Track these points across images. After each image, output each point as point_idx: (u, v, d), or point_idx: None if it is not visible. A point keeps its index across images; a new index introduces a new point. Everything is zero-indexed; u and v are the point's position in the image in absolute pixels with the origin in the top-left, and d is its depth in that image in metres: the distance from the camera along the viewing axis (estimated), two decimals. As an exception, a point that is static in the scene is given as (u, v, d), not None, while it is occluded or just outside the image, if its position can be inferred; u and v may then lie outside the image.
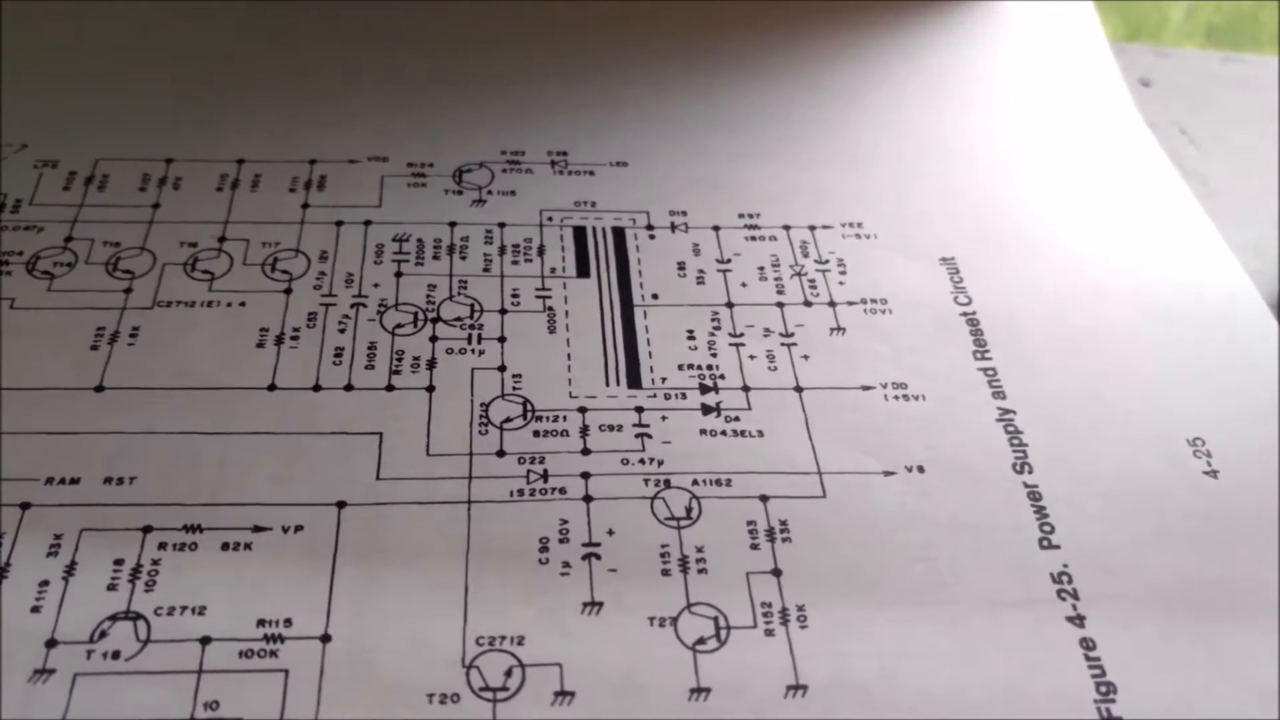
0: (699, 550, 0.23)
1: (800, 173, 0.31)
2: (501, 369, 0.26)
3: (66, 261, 0.28)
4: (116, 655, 0.21)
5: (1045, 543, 0.23)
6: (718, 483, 0.24)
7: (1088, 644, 0.22)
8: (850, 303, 0.28)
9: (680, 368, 0.26)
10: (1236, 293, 0.29)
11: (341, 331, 0.26)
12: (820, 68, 0.35)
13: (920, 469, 0.24)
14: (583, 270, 0.28)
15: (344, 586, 0.22)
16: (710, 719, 0.20)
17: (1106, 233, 0.30)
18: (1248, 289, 0.29)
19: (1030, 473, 0.24)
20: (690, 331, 0.27)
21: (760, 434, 0.25)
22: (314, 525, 0.23)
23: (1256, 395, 0.26)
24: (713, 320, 0.27)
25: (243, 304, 0.27)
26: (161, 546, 0.22)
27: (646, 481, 0.24)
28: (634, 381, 0.26)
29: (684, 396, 0.25)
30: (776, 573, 0.22)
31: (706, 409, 0.25)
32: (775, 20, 0.37)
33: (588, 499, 0.23)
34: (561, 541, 0.23)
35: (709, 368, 0.26)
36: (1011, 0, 0.38)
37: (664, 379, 0.26)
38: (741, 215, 0.30)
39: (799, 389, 0.26)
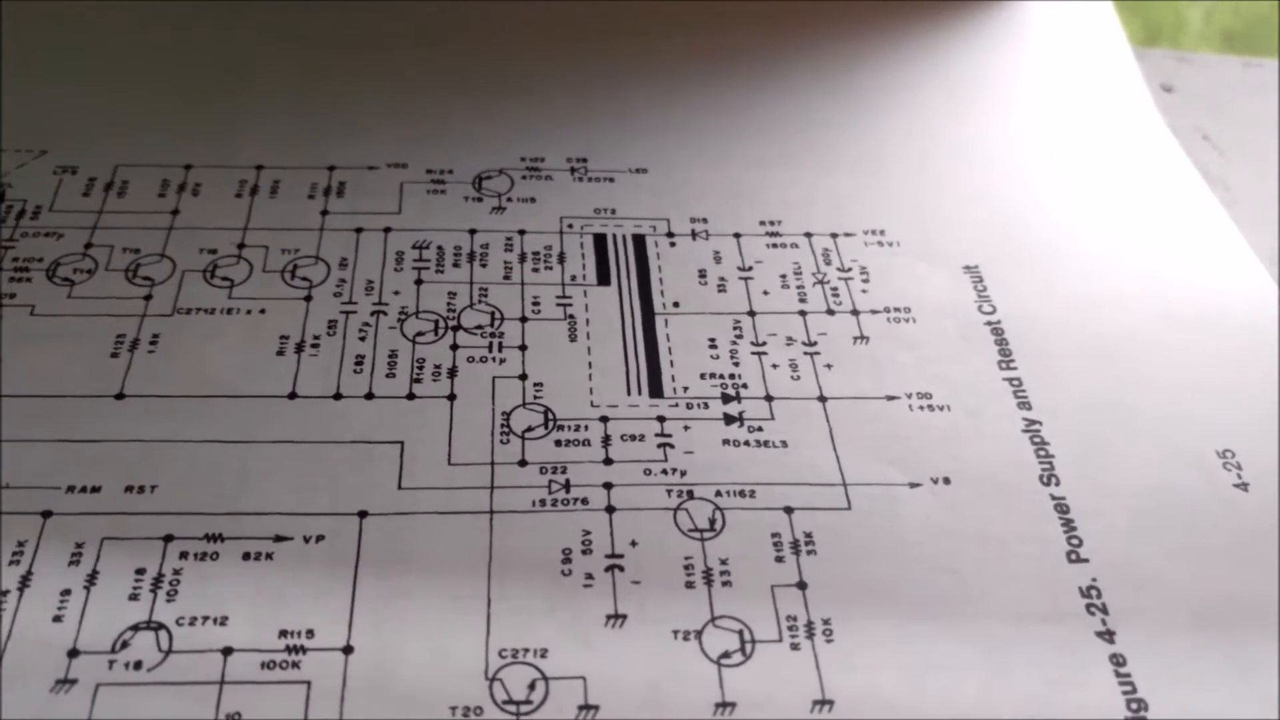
0: (723, 562, 0.22)
1: (821, 179, 0.31)
2: (523, 377, 0.26)
3: (86, 268, 0.28)
4: (138, 665, 0.21)
5: (1073, 556, 0.23)
6: (741, 494, 0.24)
7: (1118, 660, 0.21)
8: (874, 311, 0.28)
9: (702, 376, 0.26)
10: (1263, 299, 0.28)
11: (362, 339, 0.26)
12: (840, 73, 0.35)
13: (946, 480, 0.24)
14: (603, 278, 0.28)
15: (366, 597, 0.22)
16: (735, 734, 0.20)
17: (1131, 239, 0.30)
18: (1271, 295, 0.28)
19: (1057, 484, 0.24)
20: (712, 340, 0.27)
21: (784, 444, 0.25)
22: (335, 535, 0.23)
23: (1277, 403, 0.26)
24: (734, 329, 0.27)
25: (263, 311, 0.27)
26: (183, 556, 0.22)
27: (669, 492, 0.24)
28: (656, 390, 0.26)
29: (706, 406, 0.25)
30: (802, 585, 0.22)
31: (729, 419, 0.25)
32: (795, 25, 0.36)
33: (610, 510, 0.23)
34: (584, 553, 0.23)
35: (731, 377, 0.26)
36: (1033, 1, 0.38)
37: (686, 388, 0.26)
38: (763, 223, 0.30)
39: (823, 399, 0.26)
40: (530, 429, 0.25)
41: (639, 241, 0.29)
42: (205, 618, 0.21)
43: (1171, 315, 0.28)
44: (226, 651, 0.21)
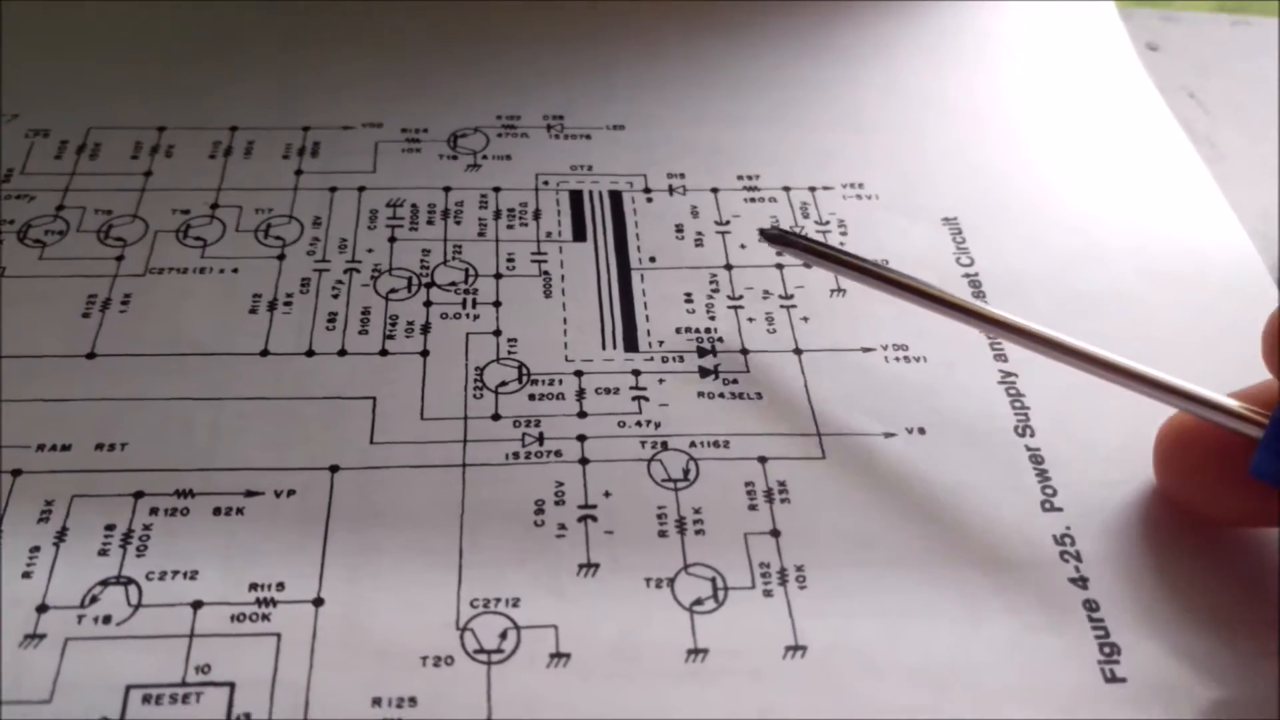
0: (696, 511, 0.22)
1: (801, 134, 0.31)
2: (497, 333, 0.26)
3: (58, 230, 0.27)
4: (108, 620, 0.20)
5: (1047, 505, 0.23)
6: (715, 444, 0.23)
7: (1091, 605, 0.21)
8: (851, 264, 0.27)
9: (678, 331, 0.26)
10: (1240, 258, 0.28)
11: (335, 297, 0.26)
12: (821, 28, 0.34)
13: (921, 431, 0.24)
14: (579, 234, 0.28)
15: (337, 550, 0.22)
16: (708, 680, 0.20)
17: (1112, 196, 0.30)
18: (1251, 254, 0.28)
19: (1032, 435, 0.24)
20: (688, 294, 0.27)
21: (759, 396, 0.24)
22: (307, 490, 0.22)
23: (1257, 360, 0.26)
24: (711, 283, 0.27)
25: (235, 270, 0.27)
26: (153, 512, 0.22)
27: (643, 444, 0.23)
28: (631, 345, 0.25)
29: (681, 359, 0.25)
30: (775, 533, 0.22)
31: (704, 372, 0.25)
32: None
33: (584, 461, 0.23)
34: (557, 504, 0.22)
35: (707, 330, 0.26)
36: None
37: (661, 342, 0.25)
38: (740, 177, 0.30)
39: (798, 351, 0.25)
40: (504, 384, 0.24)
41: (615, 198, 0.29)
42: (175, 572, 0.21)
43: (1150, 272, 0.28)
44: (196, 605, 0.21)
